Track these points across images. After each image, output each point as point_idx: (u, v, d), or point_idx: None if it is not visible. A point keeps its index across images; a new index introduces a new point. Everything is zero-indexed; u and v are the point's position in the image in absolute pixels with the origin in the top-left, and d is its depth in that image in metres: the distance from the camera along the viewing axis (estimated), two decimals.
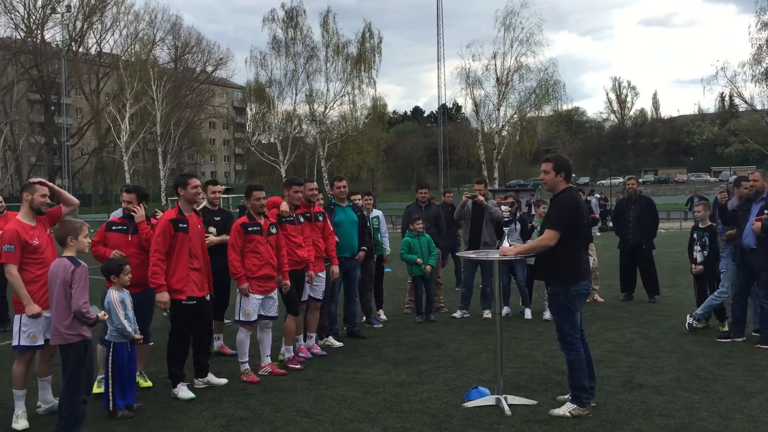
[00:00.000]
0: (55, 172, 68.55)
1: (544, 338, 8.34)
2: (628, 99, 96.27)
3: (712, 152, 76.87)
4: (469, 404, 5.75)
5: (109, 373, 5.62)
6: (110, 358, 5.64)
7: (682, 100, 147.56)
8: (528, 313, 9.81)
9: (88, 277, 5.06)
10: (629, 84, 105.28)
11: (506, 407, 5.56)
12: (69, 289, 4.97)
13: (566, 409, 5.41)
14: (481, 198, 9.76)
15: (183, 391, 6.15)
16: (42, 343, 5.51)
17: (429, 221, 9.94)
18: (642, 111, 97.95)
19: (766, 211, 7.75)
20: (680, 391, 6.02)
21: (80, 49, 68.81)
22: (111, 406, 5.57)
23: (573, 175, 5.82)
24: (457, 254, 6.18)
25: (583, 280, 5.56)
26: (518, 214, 9.89)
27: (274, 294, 6.95)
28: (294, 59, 52.54)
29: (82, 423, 5.02)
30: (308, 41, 52.59)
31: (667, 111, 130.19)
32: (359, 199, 9.47)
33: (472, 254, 6.42)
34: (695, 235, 8.80)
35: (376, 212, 9.92)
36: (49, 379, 5.82)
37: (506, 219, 6.27)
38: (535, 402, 5.78)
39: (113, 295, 5.65)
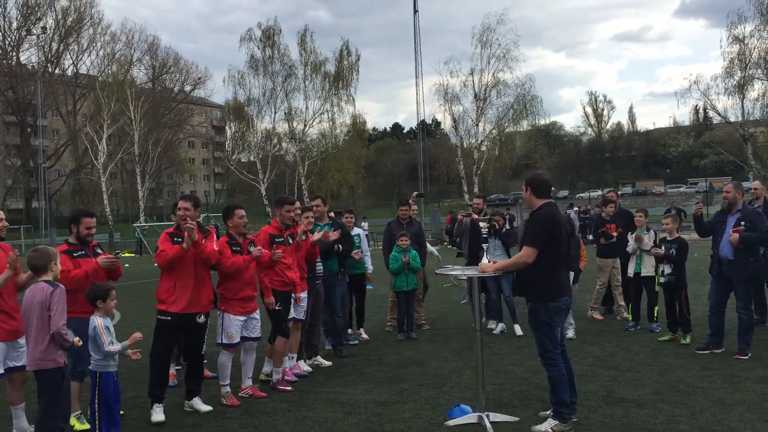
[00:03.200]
0: (32, 195, 67.83)
1: (525, 353, 8.34)
2: (605, 113, 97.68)
3: (688, 164, 77.83)
4: (451, 422, 5.72)
5: (96, 405, 5.48)
6: (96, 389, 5.50)
7: (658, 113, 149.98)
8: (518, 329, 9.69)
9: (65, 299, 4.98)
10: (605, 98, 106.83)
11: (488, 425, 5.54)
12: (47, 312, 4.88)
13: (548, 426, 5.40)
14: (476, 216, 9.90)
15: (155, 414, 6.10)
16: (2, 371, 5.41)
17: (411, 238, 9.92)
18: (618, 124, 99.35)
19: (742, 223, 7.85)
20: (661, 404, 6.04)
21: (56, 71, 68.40)
22: None
23: (552, 189, 5.75)
24: (437, 272, 6.14)
25: (563, 296, 5.55)
26: (504, 230, 9.88)
27: (256, 314, 6.88)
28: (272, 78, 52.73)
29: None
30: (286, 59, 52.86)
31: (643, 124, 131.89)
32: (349, 218, 9.52)
33: (450, 271, 6.38)
34: (663, 247, 8.88)
35: (356, 230, 9.89)
36: (23, 407, 5.70)
37: (484, 235, 6.27)
38: (517, 419, 5.77)
39: (98, 322, 5.49)
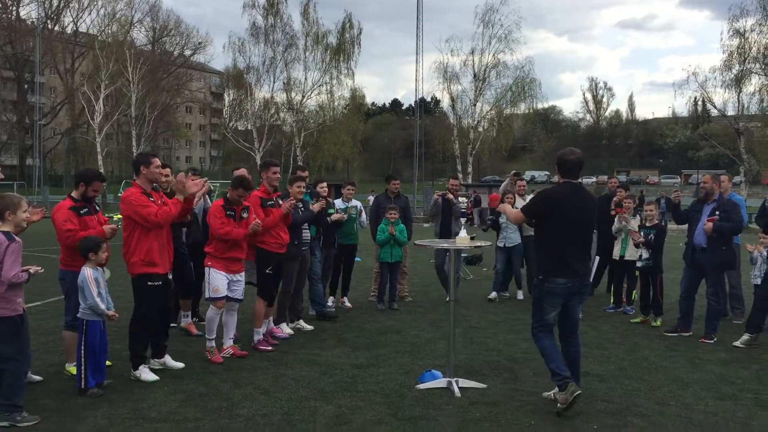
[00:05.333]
0: (26, 152, 67.69)
1: (501, 328, 8.63)
2: (604, 100, 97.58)
3: (683, 155, 78.16)
4: (422, 386, 5.99)
5: (82, 352, 5.71)
6: (83, 336, 5.73)
7: (657, 102, 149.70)
8: (519, 294, 11.03)
9: (21, 251, 5.07)
10: (605, 85, 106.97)
11: (456, 389, 5.81)
12: (0, 265, 4.98)
13: (551, 392, 5.55)
14: (450, 196, 10.35)
15: (146, 374, 6.17)
16: None
17: (398, 212, 10.17)
18: (617, 112, 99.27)
19: (717, 212, 8.10)
20: (622, 379, 6.32)
21: (56, 27, 67.88)
22: (83, 384, 5.65)
23: (574, 169, 5.58)
24: (416, 243, 6.36)
25: (558, 277, 5.40)
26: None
27: (241, 276, 7.09)
28: (273, 47, 52.54)
29: (20, 393, 5.06)
30: (288, 29, 52.65)
31: (643, 113, 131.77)
32: (324, 188, 9.65)
33: (427, 242, 6.61)
34: (642, 233, 9.14)
35: (354, 202, 10.20)
36: None
37: (463, 210, 6.52)
38: (484, 385, 6.04)
39: (87, 272, 5.72)
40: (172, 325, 7.78)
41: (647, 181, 73.34)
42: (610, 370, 6.65)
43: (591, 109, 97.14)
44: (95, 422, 5.05)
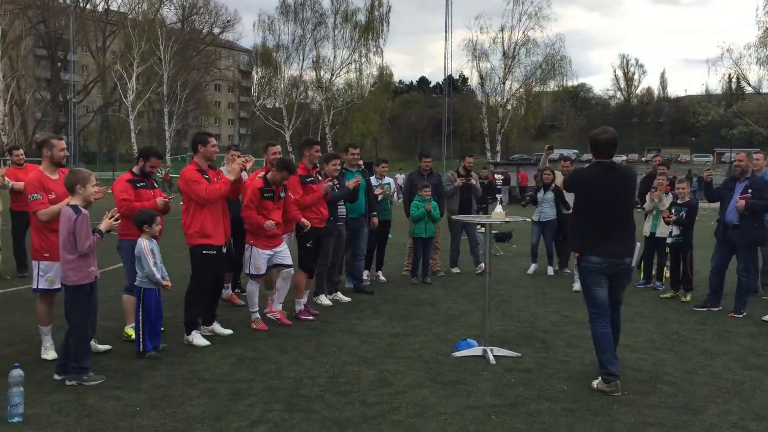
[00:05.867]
0: (60, 129, 68.81)
1: (532, 302, 8.91)
2: (635, 77, 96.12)
3: (716, 134, 77.03)
4: (458, 354, 6.29)
5: (140, 318, 6.11)
6: (140, 303, 6.13)
7: (691, 79, 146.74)
8: (549, 270, 11.30)
9: (89, 222, 5.40)
10: (637, 62, 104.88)
11: (491, 357, 6.10)
12: (72, 237, 5.31)
13: (596, 382, 5.49)
14: (473, 181, 11.08)
15: (198, 338, 6.57)
16: (59, 286, 5.85)
17: (430, 189, 10.45)
18: (649, 89, 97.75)
19: (749, 190, 8.23)
20: (652, 350, 6.55)
21: (88, 6, 68.64)
22: (141, 347, 6.05)
23: (607, 149, 5.51)
24: (453, 217, 6.62)
25: (592, 256, 5.40)
26: (553, 186, 10.69)
27: (282, 245, 7.38)
28: (302, 25, 52.83)
29: (88, 356, 5.47)
30: (317, 7, 52.87)
31: (675, 90, 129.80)
32: (336, 166, 9.90)
33: (463, 217, 6.90)
34: (673, 210, 9.28)
35: (387, 179, 10.50)
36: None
37: (498, 186, 6.80)
38: (518, 354, 6.31)
39: (144, 243, 6.11)
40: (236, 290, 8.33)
41: (678, 159, 72.49)
42: (640, 342, 6.88)
43: (622, 86, 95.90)
44: (156, 382, 5.43)
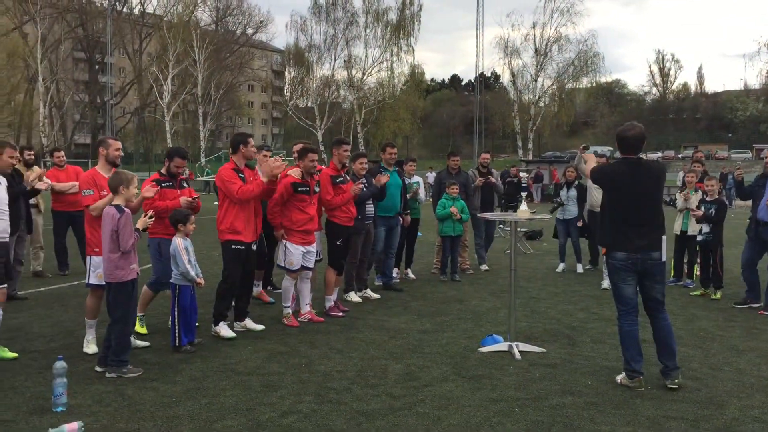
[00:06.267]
0: (98, 130, 70.27)
1: (560, 299, 8.97)
2: (671, 72, 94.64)
3: (755, 129, 75.51)
4: (484, 349, 6.41)
5: (176, 313, 6.34)
6: (176, 299, 6.36)
7: (729, 74, 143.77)
8: (579, 267, 11.34)
9: (131, 221, 5.65)
10: (673, 57, 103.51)
11: (517, 353, 6.20)
12: (116, 235, 5.56)
13: (619, 377, 5.56)
14: (493, 180, 11.37)
15: (225, 330, 6.83)
16: (104, 282, 6.13)
17: (459, 188, 10.56)
18: (685, 85, 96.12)
19: None
20: (678, 346, 6.52)
21: (124, 9, 69.96)
22: (177, 342, 6.30)
23: (633, 145, 5.51)
24: (479, 215, 6.74)
25: (618, 252, 5.43)
26: (576, 183, 11.33)
27: (314, 248, 7.61)
28: (334, 24, 53.14)
29: (128, 351, 5.71)
30: (349, 7, 53.18)
31: (712, 86, 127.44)
32: (363, 165, 10.06)
33: (490, 215, 7.03)
34: (702, 208, 9.25)
35: (416, 178, 10.67)
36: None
37: (524, 185, 6.90)
38: (544, 350, 6.41)
39: (178, 242, 6.35)
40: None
41: (716, 156, 71.21)
42: None
43: (657, 82, 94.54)
44: (191, 374, 5.65)
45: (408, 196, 9.88)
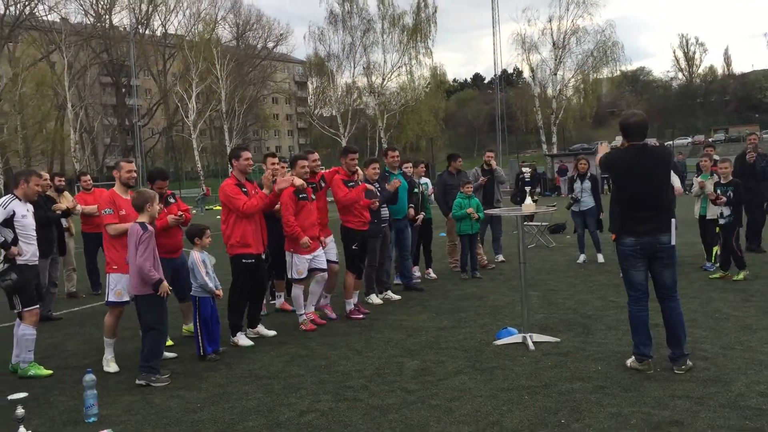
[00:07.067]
0: (128, 152, 71.57)
1: (578, 289, 9.07)
2: (696, 56, 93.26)
3: None
4: (499, 342, 6.56)
5: (198, 325, 6.62)
6: (197, 311, 6.63)
7: (757, 54, 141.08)
8: (600, 257, 11.33)
9: (153, 241, 5.93)
10: (697, 40, 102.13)
11: (530, 343, 6.34)
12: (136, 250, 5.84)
13: (629, 361, 5.67)
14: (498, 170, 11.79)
15: (242, 339, 7.09)
16: (128, 299, 6.40)
17: (472, 186, 10.81)
18: (711, 68, 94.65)
19: None
20: (691, 328, 6.62)
21: (146, 32, 71.25)
22: (201, 351, 6.57)
23: (638, 130, 5.57)
24: (486, 211, 6.91)
25: (627, 238, 5.51)
26: (589, 174, 11.58)
27: (319, 250, 7.77)
28: (351, 32, 53.42)
29: (158, 358, 6.02)
30: (364, 14, 53.45)
31: (740, 66, 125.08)
32: (410, 167, 10.35)
33: (497, 211, 7.16)
34: (719, 190, 9.27)
35: (425, 180, 10.84)
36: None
37: (527, 180, 7.04)
38: (558, 339, 6.54)
39: (196, 255, 6.62)
40: (272, 302, 8.77)
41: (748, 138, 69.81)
42: None
43: (682, 66, 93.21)
44: (215, 381, 5.90)
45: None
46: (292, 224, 7.45)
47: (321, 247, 7.79)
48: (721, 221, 9.33)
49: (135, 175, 6.78)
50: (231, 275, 7.18)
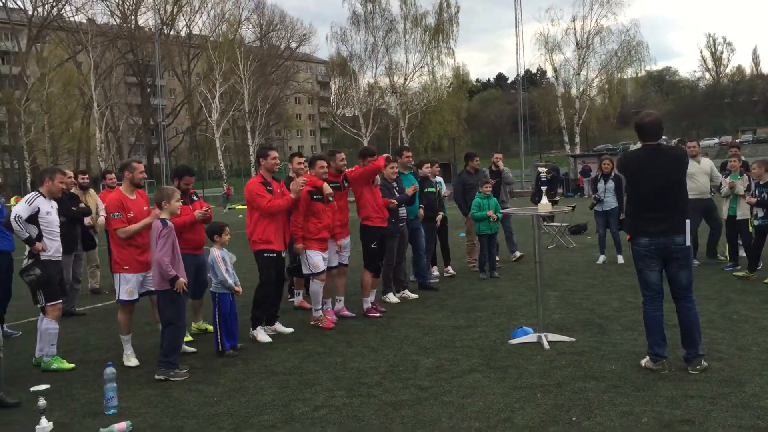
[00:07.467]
0: (153, 151, 72.39)
1: (596, 290, 9.05)
2: (724, 56, 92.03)
3: None
4: (514, 341, 6.58)
5: (217, 320, 6.72)
6: (216, 307, 6.74)
7: None
8: (620, 258, 11.28)
9: (172, 237, 6.04)
10: (725, 40, 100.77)
11: (545, 343, 6.36)
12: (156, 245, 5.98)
13: (644, 361, 5.68)
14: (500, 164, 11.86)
15: (261, 335, 7.19)
16: (137, 297, 6.60)
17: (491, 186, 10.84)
18: (739, 68, 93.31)
19: None
20: (708, 330, 6.60)
21: (171, 32, 71.92)
22: (220, 347, 6.67)
23: (652, 131, 5.55)
24: (501, 210, 6.93)
25: (640, 238, 5.52)
26: (613, 174, 11.47)
27: (326, 253, 7.79)
28: (373, 33, 53.51)
29: (177, 353, 6.13)
30: (387, 14, 53.47)
31: None
32: (428, 168, 10.43)
33: (512, 210, 7.19)
34: (756, 192, 9.18)
35: (438, 178, 10.91)
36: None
37: (543, 179, 7.06)
38: (573, 339, 6.55)
39: (215, 253, 6.74)
40: (290, 299, 8.87)
41: None
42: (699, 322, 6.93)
43: (709, 66, 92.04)
44: (233, 376, 6.00)
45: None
46: (298, 225, 7.57)
47: (327, 251, 7.81)
48: (756, 222, 9.27)
49: (146, 175, 6.92)
50: (257, 272, 7.29)
